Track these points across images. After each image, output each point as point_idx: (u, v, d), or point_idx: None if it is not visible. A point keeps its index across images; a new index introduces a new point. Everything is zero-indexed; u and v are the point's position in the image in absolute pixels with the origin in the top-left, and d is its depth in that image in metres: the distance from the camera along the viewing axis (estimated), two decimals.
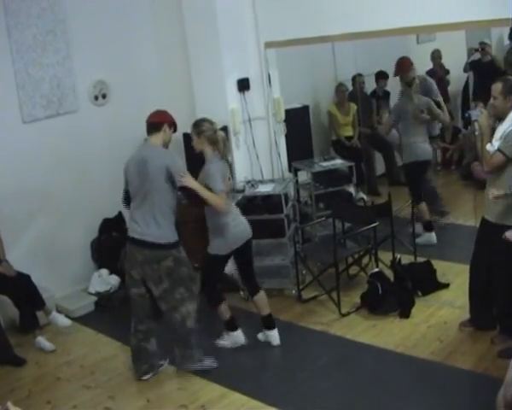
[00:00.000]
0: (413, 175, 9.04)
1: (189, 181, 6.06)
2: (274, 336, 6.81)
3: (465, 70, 12.02)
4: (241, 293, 7.90)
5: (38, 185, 7.99)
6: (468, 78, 12.16)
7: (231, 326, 6.84)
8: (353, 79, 11.26)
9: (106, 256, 8.46)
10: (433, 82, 9.29)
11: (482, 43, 11.50)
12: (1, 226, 7.34)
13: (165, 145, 6.23)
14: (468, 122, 9.78)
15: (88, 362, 6.95)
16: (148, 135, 6.20)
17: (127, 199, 6.30)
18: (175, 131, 6.37)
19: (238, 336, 6.85)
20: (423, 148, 8.94)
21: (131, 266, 6.17)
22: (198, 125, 6.46)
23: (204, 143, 6.38)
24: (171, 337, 6.37)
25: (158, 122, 6.15)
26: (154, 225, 6.01)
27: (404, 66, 9.21)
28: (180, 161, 6.31)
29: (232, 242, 6.46)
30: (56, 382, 6.67)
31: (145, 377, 6.40)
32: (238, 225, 6.51)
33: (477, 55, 11.81)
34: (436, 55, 11.76)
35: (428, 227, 8.96)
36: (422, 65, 11.36)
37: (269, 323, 6.83)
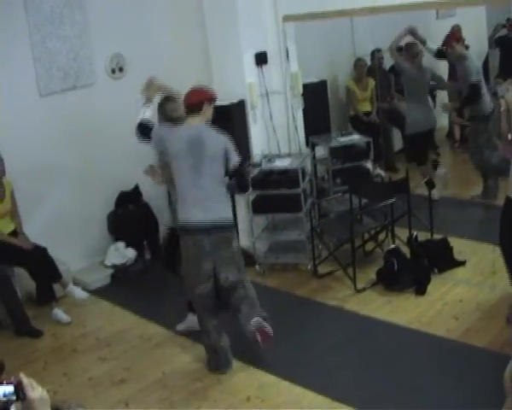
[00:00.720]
0: None
1: None
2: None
3: (490, 46, 11.95)
4: (257, 267, 7.91)
5: (55, 158, 8.01)
6: (488, 53, 12.11)
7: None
8: (372, 53, 11.21)
9: (122, 229, 8.48)
10: (468, 65, 8.99)
11: (510, 20, 11.44)
12: (18, 199, 7.38)
13: (208, 122, 6.01)
14: None
15: (104, 334, 7.00)
16: (187, 115, 5.96)
17: (144, 131, 5.95)
18: (214, 102, 6.15)
19: (195, 320, 6.47)
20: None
21: (200, 258, 5.77)
22: None
23: None
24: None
25: (197, 103, 5.90)
26: (218, 205, 5.79)
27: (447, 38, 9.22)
28: None
29: None
30: (72, 354, 6.73)
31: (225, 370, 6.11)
32: None
33: (504, 32, 11.76)
34: (456, 30, 11.67)
35: (430, 185, 8.91)
36: (442, 40, 11.29)
37: None
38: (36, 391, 2.68)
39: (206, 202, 5.74)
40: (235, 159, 5.86)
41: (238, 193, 6.63)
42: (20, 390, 2.69)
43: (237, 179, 5.95)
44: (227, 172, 5.87)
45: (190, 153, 5.74)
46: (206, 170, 5.74)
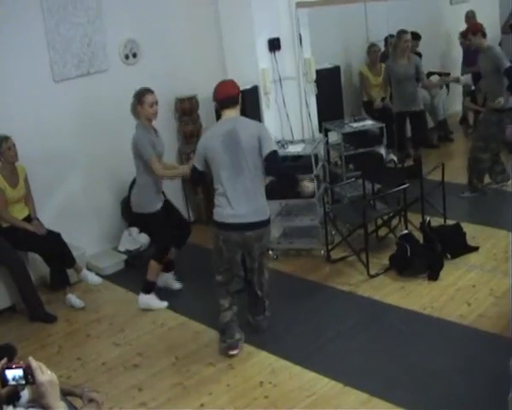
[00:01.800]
0: None
1: None
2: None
3: (504, 31, 11.93)
4: (270, 252, 7.91)
5: (69, 144, 8.04)
6: (501, 39, 12.08)
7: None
8: (386, 39, 11.18)
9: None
10: (494, 53, 8.90)
11: None
12: (32, 185, 7.43)
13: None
14: None
15: (117, 320, 7.03)
16: (223, 109, 5.89)
17: (197, 178, 6.04)
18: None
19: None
20: None
21: (230, 252, 5.85)
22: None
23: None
24: (253, 302, 6.32)
25: (236, 95, 5.89)
26: (256, 199, 5.79)
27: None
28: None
29: None
30: (86, 339, 6.77)
31: (235, 352, 6.14)
32: None
33: None
34: (470, 16, 11.64)
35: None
36: (456, 26, 11.29)
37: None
38: (45, 375, 2.71)
39: (243, 197, 5.72)
40: (268, 147, 5.73)
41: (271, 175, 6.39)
42: (29, 374, 2.71)
43: (269, 166, 5.80)
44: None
45: (227, 149, 5.70)
46: (243, 164, 5.70)
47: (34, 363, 2.70)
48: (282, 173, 6.14)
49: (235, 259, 5.91)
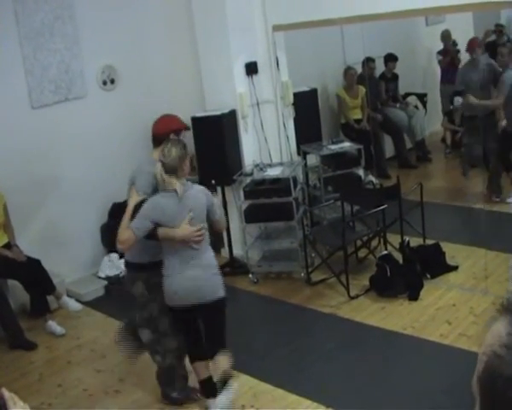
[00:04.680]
0: None
1: (130, 200, 5.33)
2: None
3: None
4: (250, 276, 7.92)
5: (48, 170, 8.02)
6: None
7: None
8: (363, 62, 11.24)
9: (115, 241, 8.46)
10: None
11: (498, 25, 11.62)
12: (11, 212, 7.39)
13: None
14: None
15: (98, 346, 7.00)
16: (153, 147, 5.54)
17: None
18: (187, 129, 5.80)
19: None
20: None
21: None
22: None
23: None
24: None
25: (158, 136, 5.45)
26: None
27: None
28: (147, 178, 5.27)
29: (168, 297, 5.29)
30: (67, 365, 6.73)
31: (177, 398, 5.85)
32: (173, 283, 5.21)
33: (493, 37, 11.91)
34: (446, 35, 11.80)
35: None
36: (432, 46, 11.38)
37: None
38: (17, 406, 2.70)
39: None
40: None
41: None
42: (1, 406, 2.70)
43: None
44: None
45: None
46: None
47: (7, 394, 2.69)
48: None
49: None
